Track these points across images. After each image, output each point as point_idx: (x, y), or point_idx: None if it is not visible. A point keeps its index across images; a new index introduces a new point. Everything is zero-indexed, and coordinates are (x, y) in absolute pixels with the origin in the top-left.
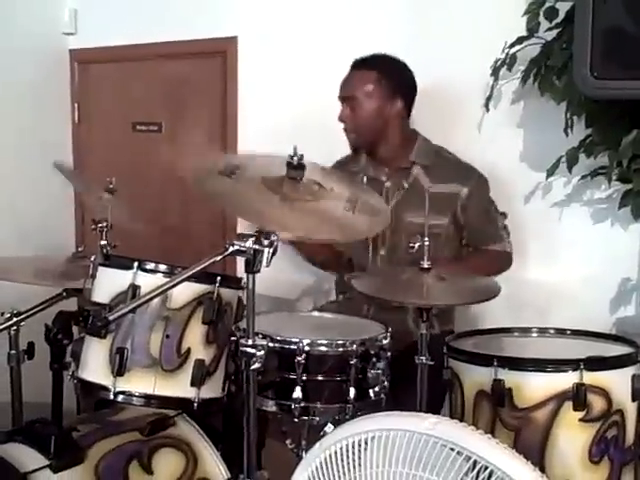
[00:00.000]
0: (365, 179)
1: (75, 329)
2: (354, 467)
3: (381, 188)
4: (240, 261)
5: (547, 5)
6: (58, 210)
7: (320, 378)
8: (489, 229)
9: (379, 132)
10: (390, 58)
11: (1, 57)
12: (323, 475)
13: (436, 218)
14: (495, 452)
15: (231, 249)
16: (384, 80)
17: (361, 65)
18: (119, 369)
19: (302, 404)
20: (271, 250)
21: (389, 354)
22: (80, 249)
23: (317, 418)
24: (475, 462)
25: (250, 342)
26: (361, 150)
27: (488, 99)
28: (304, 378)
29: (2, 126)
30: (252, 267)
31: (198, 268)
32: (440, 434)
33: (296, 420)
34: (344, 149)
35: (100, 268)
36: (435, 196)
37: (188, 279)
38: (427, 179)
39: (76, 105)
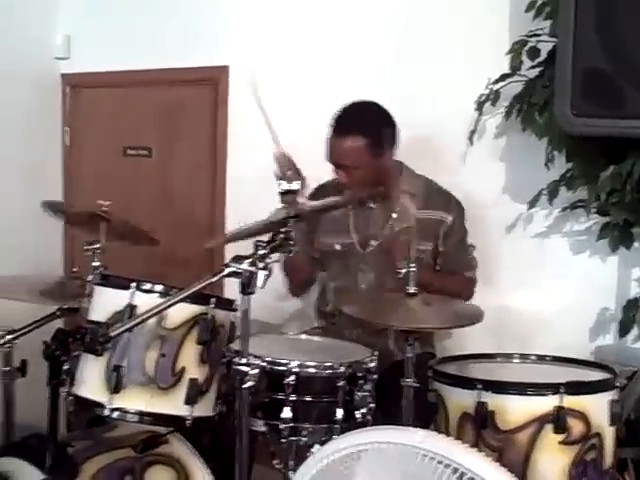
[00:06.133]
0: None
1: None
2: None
3: (369, 215)
4: (228, 283)
5: (530, 45)
6: (46, 231)
7: (309, 399)
8: (464, 257)
9: (376, 182)
10: (371, 116)
11: None
12: None
13: (422, 244)
14: (482, 464)
15: (227, 271)
16: (372, 145)
17: (346, 132)
18: (115, 386)
19: (291, 424)
20: (266, 272)
21: (375, 376)
22: (75, 269)
23: (305, 438)
24: (462, 476)
25: (244, 361)
26: None
27: (472, 133)
28: (293, 399)
29: None
30: (247, 289)
31: (195, 289)
32: (429, 447)
33: (284, 440)
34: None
35: (97, 287)
36: (422, 222)
37: (184, 300)
38: (414, 206)
39: (67, 129)
